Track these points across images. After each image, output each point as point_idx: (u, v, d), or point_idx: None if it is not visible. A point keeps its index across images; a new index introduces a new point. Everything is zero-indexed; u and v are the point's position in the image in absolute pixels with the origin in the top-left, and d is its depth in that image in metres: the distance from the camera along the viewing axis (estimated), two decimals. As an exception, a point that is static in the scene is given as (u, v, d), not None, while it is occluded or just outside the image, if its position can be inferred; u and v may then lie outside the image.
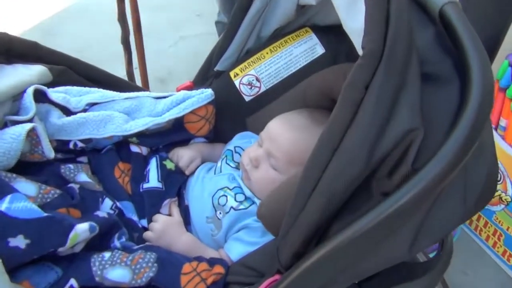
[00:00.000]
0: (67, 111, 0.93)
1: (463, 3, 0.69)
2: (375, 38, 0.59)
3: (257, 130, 1.03)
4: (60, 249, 0.71)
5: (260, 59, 1.04)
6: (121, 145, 0.97)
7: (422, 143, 0.61)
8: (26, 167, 0.84)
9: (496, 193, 1.48)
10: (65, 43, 2.41)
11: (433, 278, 0.88)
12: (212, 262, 0.80)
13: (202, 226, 0.91)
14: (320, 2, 0.94)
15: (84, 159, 0.94)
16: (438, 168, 0.58)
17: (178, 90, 1.09)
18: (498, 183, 1.46)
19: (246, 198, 0.90)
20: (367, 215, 0.61)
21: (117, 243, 0.80)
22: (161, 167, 0.95)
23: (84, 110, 0.95)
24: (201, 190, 0.94)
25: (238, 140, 1.03)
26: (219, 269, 0.78)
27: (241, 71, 1.04)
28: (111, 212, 0.85)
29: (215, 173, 0.96)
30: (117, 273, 0.73)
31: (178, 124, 0.99)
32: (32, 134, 0.83)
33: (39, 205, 0.73)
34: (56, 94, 0.91)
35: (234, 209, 0.88)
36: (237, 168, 0.96)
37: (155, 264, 0.75)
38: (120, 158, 0.95)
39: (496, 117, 1.38)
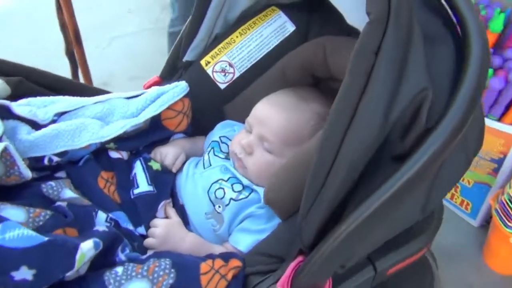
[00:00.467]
0: (35, 125, 0.85)
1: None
2: (380, 3, 0.57)
3: (237, 117, 1.00)
4: (68, 274, 0.65)
5: (230, 44, 1.00)
6: (98, 153, 0.90)
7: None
8: (2, 192, 0.76)
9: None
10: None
11: (429, 237, 0.90)
12: (226, 257, 0.77)
13: (202, 223, 0.87)
14: (285, -22, 0.92)
15: (62, 174, 0.87)
16: (454, 123, 0.59)
17: (145, 87, 1.04)
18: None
19: (244, 187, 0.87)
20: (390, 181, 0.61)
21: (121, 256, 0.74)
22: (148, 169, 0.90)
23: (53, 121, 0.88)
24: (194, 186, 0.90)
25: (220, 130, 1.00)
26: (236, 262, 0.75)
27: (212, 59, 1.00)
28: (107, 224, 0.79)
29: (204, 167, 0.92)
30: (136, 287, 0.68)
31: (155, 123, 0.94)
32: (5, 155, 0.75)
33: (32, 230, 0.66)
34: (21, 107, 0.83)
35: (234, 200, 0.85)
36: (227, 158, 0.93)
37: (173, 270, 0.71)
38: (101, 167, 0.89)
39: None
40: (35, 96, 0.90)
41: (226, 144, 0.95)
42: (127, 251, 0.76)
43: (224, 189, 0.87)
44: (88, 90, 0.98)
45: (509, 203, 1.54)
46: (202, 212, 0.87)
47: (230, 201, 0.85)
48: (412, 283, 1.05)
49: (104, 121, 0.92)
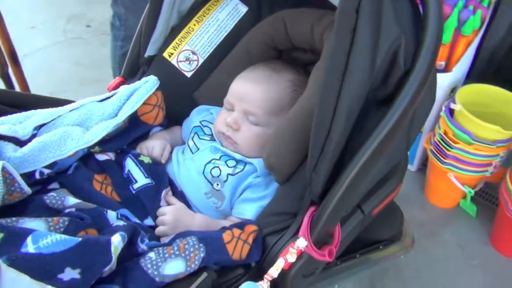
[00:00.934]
0: (17, 142, 0.84)
1: None
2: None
3: (210, 101, 1.04)
4: (106, 268, 0.67)
5: (190, 33, 1.04)
6: (85, 159, 0.91)
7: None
8: (6, 212, 0.74)
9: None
10: None
11: (400, 177, 1.01)
12: (240, 225, 0.82)
13: (203, 203, 0.91)
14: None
15: (54, 185, 0.86)
16: (427, 62, 0.69)
17: (110, 89, 1.04)
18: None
19: (238, 162, 0.92)
20: (384, 121, 0.69)
21: (143, 246, 0.77)
22: (141, 164, 0.91)
23: (33, 135, 0.87)
24: (188, 171, 0.93)
25: (197, 116, 1.04)
26: (252, 227, 0.81)
27: (175, 49, 1.03)
28: (121, 221, 0.81)
29: (193, 152, 0.96)
30: (173, 266, 0.71)
31: (134, 120, 0.95)
32: (4, 173, 0.74)
33: (59, 236, 0.67)
34: (1, 126, 0.81)
35: (232, 174, 0.90)
36: (213, 139, 0.97)
37: (201, 245, 0.74)
38: (93, 171, 0.89)
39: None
40: (5, 115, 0.87)
41: (208, 127, 0.99)
42: (146, 241, 0.78)
43: (219, 167, 0.91)
44: (54, 103, 0.96)
45: (442, 142, 1.73)
46: (202, 193, 0.91)
47: (227, 177, 0.90)
48: (388, 222, 1.16)
49: (84, 127, 0.92)
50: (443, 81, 1.70)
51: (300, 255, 0.75)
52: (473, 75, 1.91)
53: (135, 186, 0.89)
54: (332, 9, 0.93)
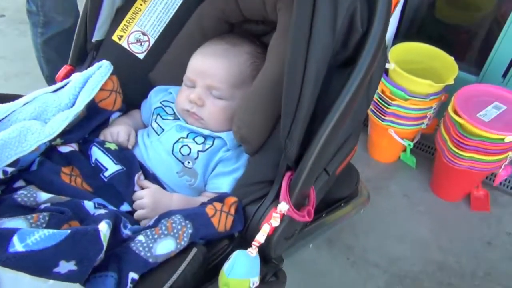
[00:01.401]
0: (-28, 143, 0.79)
1: None
2: None
3: (166, 80, 1.04)
4: (99, 257, 0.66)
5: (137, 13, 1.01)
6: (48, 152, 0.87)
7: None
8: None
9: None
10: None
11: (357, 137, 1.06)
12: (220, 198, 0.84)
13: (176, 182, 0.91)
14: None
15: (20, 183, 0.82)
16: (383, 22, 0.73)
17: (59, 79, 1.00)
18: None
19: (206, 137, 0.93)
20: (350, 81, 0.73)
21: (126, 231, 0.76)
22: (108, 151, 0.90)
23: (-12, 135, 0.82)
24: (157, 153, 0.93)
25: (155, 97, 1.02)
26: (231, 199, 0.83)
27: (123, 32, 1.01)
28: (99, 210, 0.79)
29: (158, 134, 0.95)
30: (164, 245, 0.72)
31: (92, 107, 0.93)
32: (-32, 176, 0.70)
33: (43, 232, 0.65)
34: (-46, 129, 0.76)
35: (202, 151, 0.91)
36: (176, 118, 0.97)
37: (187, 221, 0.75)
38: (59, 164, 0.86)
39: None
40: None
41: (170, 107, 0.99)
42: (129, 226, 0.78)
43: (188, 145, 0.91)
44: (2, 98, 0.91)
45: (380, 101, 1.82)
46: (174, 173, 0.91)
47: (198, 154, 0.91)
48: (347, 180, 1.23)
49: (41, 120, 0.88)
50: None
51: (282, 218, 0.78)
52: (400, 35, 2.01)
53: (106, 174, 0.87)
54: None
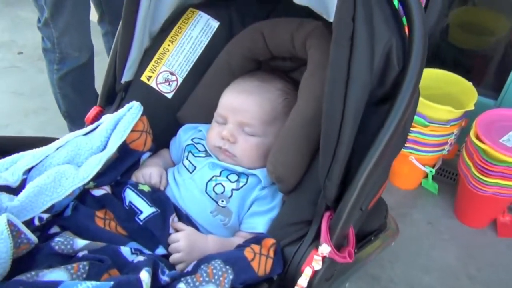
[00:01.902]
0: (8, 190, 0.79)
1: None
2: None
3: (195, 119, 1.04)
4: None
5: (165, 53, 1.02)
6: (81, 197, 0.87)
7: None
8: (15, 266, 0.70)
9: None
10: None
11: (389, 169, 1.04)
12: (257, 240, 0.82)
13: (210, 222, 0.90)
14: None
15: (54, 229, 0.82)
16: (420, 59, 0.72)
17: (88, 121, 1.01)
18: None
19: (239, 175, 0.92)
20: (389, 119, 0.72)
21: (165, 277, 0.75)
22: (142, 193, 0.89)
23: (24, 181, 0.82)
24: (190, 192, 0.92)
25: (185, 134, 1.02)
26: (269, 241, 0.81)
27: (152, 72, 1.01)
28: (136, 255, 0.78)
29: (190, 172, 0.94)
30: None
31: (124, 149, 0.92)
32: (9, 226, 0.69)
33: (84, 284, 0.64)
34: (-10, 176, 0.76)
35: (236, 189, 0.90)
36: (208, 155, 0.96)
37: (227, 267, 0.74)
38: (93, 208, 0.85)
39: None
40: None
41: (201, 144, 0.98)
42: (166, 271, 0.76)
43: (222, 183, 0.90)
44: (35, 142, 0.92)
45: (401, 128, 1.81)
46: (207, 212, 0.90)
47: (232, 192, 0.90)
48: (376, 212, 1.21)
49: (74, 164, 0.88)
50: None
51: (323, 261, 0.76)
52: (416, 61, 2.00)
53: (141, 217, 0.86)
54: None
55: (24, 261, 0.72)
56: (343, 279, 1.03)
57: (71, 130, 1.94)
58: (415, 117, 1.72)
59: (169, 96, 1.03)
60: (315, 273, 0.76)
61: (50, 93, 1.88)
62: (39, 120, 2.28)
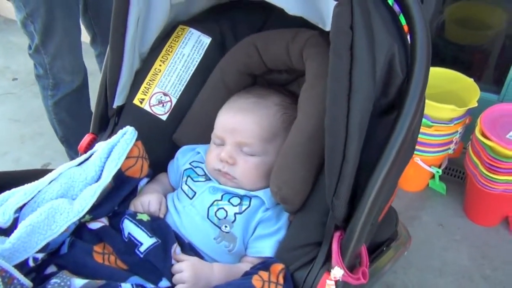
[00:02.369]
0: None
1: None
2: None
3: (191, 140, 1.00)
4: None
5: (157, 74, 0.98)
6: (77, 231, 0.83)
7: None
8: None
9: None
10: None
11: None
12: (265, 266, 0.78)
13: (214, 249, 0.86)
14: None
15: (51, 269, 0.78)
16: (425, 64, 0.68)
17: (82, 149, 0.97)
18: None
19: (242, 197, 0.88)
20: (397, 129, 0.68)
21: (171, 313, 0.71)
22: (140, 223, 0.85)
23: (16, 220, 0.78)
24: (191, 219, 0.88)
25: (183, 157, 0.98)
26: (278, 266, 0.77)
27: (144, 94, 0.97)
28: (138, 292, 0.74)
29: (190, 198, 0.90)
30: None
31: (119, 177, 0.88)
32: (0, 273, 0.65)
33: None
34: (-21, 218, 0.72)
35: (239, 213, 0.86)
36: (208, 179, 0.92)
37: None
38: (90, 243, 0.81)
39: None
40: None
41: (200, 168, 0.94)
42: (172, 307, 0.72)
43: (224, 208, 0.86)
44: (27, 176, 0.88)
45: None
46: (211, 239, 0.86)
47: (235, 216, 0.85)
48: (387, 222, 1.17)
49: (68, 197, 0.84)
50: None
51: (336, 284, 0.72)
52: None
53: (142, 249, 0.82)
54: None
55: (20, 307, 0.68)
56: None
57: (69, 154, 1.91)
58: (418, 118, 1.69)
59: (164, 118, 0.99)
60: (328, 297, 0.72)
61: (46, 117, 1.86)
62: (36, 145, 2.25)
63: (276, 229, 0.85)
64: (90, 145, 0.96)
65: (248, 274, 0.77)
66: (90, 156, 0.89)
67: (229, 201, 0.87)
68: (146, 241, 0.82)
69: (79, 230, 0.83)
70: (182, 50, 1.00)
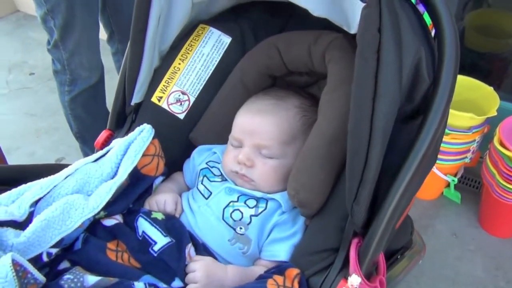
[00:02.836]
0: (15, 225, 0.74)
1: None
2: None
3: (207, 140, 0.99)
4: None
5: (176, 72, 0.97)
6: (91, 228, 0.82)
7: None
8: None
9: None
10: None
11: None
12: (280, 270, 0.77)
13: (228, 251, 0.85)
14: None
15: (64, 264, 0.77)
16: (452, 71, 0.67)
17: (98, 145, 0.96)
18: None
19: (258, 200, 0.86)
20: (422, 136, 0.66)
21: (183, 315, 0.70)
22: (155, 222, 0.84)
23: (31, 214, 0.77)
24: (206, 219, 0.87)
25: (199, 157, 0.97)
26: (293, 271, 0.75)
27: (163, 92, 0.97)
28: (151, 291, 0.73)
29: (206, 198, 0.89)
30: None
31: (135, 175, 0.88)
32: (14, 266, 0.65)
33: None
34: (-4, 211, 0.72)
35: (255, 215, 0.84)
36: (224, 180, 0.91)
37: None
38: (104, 240, 0.81)
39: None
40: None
41: (216, 168, 0.93)
42: (184, 308, 0.71)
43: (239, 210, 0.85)
44: (43, 171, 0.87)
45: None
46: (225, 240, 0.84)
47: (251, 219, 0.84)
48: (403, 230, 1.15)
49: (84, 193, 0.83)
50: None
51: (353, 291, 0.70)
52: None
53: (156, 248, 0.81)
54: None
55: (32, 303, 0.67)
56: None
57: (83, 150, 1.92)
58: (435, 125, 1.66)
59: (181, 116, 0.98)
60: (344, 305, 0.70)
61: (61, 113, 1.87)
62: (51, 140, 2.26)
63: (292, 233, 0.84)
64: (106, 142, 0.96)
65: (262, 278, 0.76)
66: (106, 153, 0.88)
67: (245, 202, 0.86)
68: (160, 240, 0.81)
69: (93, 226, 0.82)
70: (202, 49, 0.99)
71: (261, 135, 0.87)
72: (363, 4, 0.64)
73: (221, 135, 0.96)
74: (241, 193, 0.88)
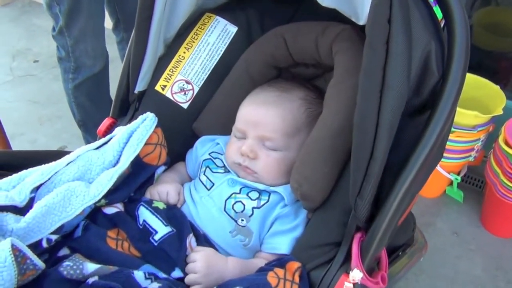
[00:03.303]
0: (15, 210, 0.74)
1: None
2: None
3: (211, 131, 0.98)
4: None
5: (180, 61, 0.96)
6: (92, 215, 0.82)
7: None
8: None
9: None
10: None
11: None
12: (280, 263, 0.76)
13: (229, 243, 0.84)
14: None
15: (64, 251, 0.76)
16: (462, 65, 0.66)
17: (101, 133, 0.95)
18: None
19: (261, 192, 0.86)
20: (429, 130, 0.65)
21: (182, 305, 0.69)
22: (156, 211, 0.83)
23: (32, 199, 0.77)
24: (207, 210, 0.86)
25: (202, 147, 0.96)
26: (294, 264, 0.75)
27: (167, 81, 0.96)
28: (150, 281, 0.72)
29: (208, 188, 0.88)
30: None
31: (137, 163, 0.87)
32: (13, 251, 0.64)
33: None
34: (-4, 196, 0.71)
35: (257, 208, 0.84)
36: (227, 171, 0.90)
37: None
38: (104, 228, 0.80)
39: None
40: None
41: (219, 159, 0.92)
42: (185, 298, 0.71)
43: (241, 201, 0.84)
44: (44, 157, 0.87)
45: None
46: (226, 232, 0.84)
47: (253, 211, 0.83)
48: (405, 227, 1.14)
49: (85, 180, 0.83)
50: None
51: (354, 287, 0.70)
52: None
53: (156, 237, 0.80)
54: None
55: (31, 288, 0.67)
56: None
57: (85, 138, 1.91)
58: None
59: (185, 106, 0.97)
60: (345, 300, 0.70)
61: (65, 101, 1.86)
62: (53, 127, 2.26)
63: (293, 226, 0.83)
64: (109, 129, 0.95)
65: (263, 270, 0.76)
66: (109, 140, 0.88)
67: (247, 194, 0.85)
68: (161, 229, 0.81)
69: (94, 214, 0.82)
70: (207, 38, 0.98)
71: (265, 127, 0.86)
72: (373, -5, 0.63)
73: (224, 126, 0.95)
74: (244, 185, 0.87)
